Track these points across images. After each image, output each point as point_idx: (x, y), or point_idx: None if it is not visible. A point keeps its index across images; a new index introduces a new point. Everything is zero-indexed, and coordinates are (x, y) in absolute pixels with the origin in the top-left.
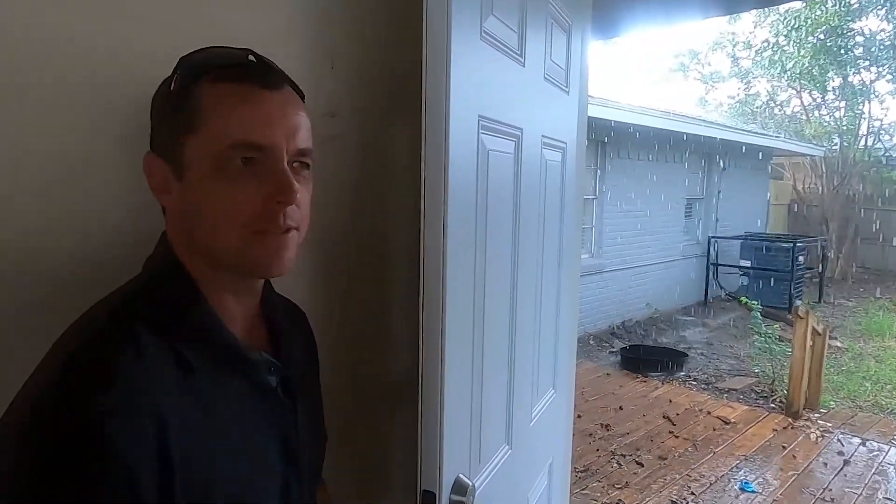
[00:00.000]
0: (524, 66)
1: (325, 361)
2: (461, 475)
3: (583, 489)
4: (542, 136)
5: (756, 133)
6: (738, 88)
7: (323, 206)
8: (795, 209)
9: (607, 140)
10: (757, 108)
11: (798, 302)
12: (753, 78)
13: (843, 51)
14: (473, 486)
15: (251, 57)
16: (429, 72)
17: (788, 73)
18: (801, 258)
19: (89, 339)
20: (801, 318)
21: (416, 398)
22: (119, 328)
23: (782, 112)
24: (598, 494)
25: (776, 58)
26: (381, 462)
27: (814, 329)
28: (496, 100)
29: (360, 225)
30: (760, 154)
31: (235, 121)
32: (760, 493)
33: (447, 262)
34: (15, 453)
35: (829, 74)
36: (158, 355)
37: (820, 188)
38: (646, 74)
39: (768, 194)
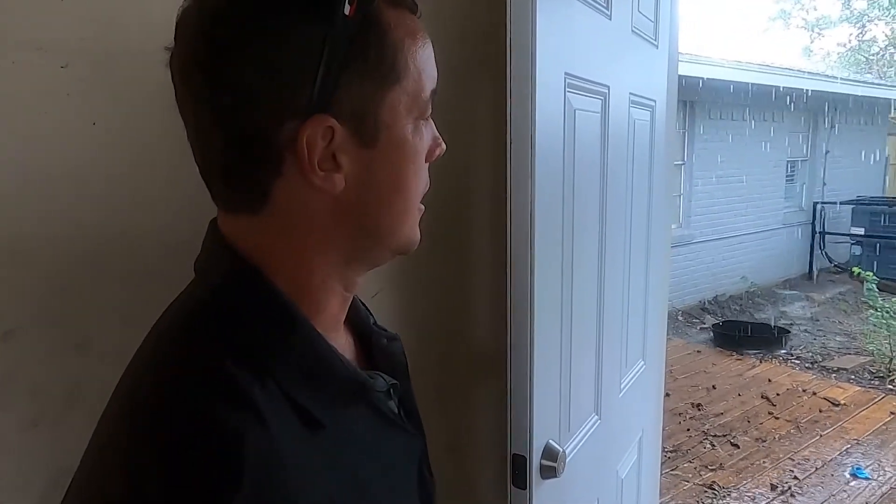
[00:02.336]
0: (611, 18)
1: (414, 333)
2: (551, 440)
3: (672, 469)
4: (630, 93)
5: (871, 84)
6: (850, 34)
7: None
8: None
9: (697, 99)
10: (873, 55)
11: None
12: (869, 21)
13: None
14: (564, 451)
15: None
16: (513, 28)
17: None
18: None
19: (186, 403)
20: None
21: (506, 367)
22: (219, 377)
23: None
24: (690, 475)
25: None
26: (473, 431)
27: None
28: (582, 56)
29: (443, 193)
30: (877, 108)
31: (427, 63)
32: (875, 480)
33: (535, 229)
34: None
35: None
36: (276, 412)
37: None
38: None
39: (887, 153)
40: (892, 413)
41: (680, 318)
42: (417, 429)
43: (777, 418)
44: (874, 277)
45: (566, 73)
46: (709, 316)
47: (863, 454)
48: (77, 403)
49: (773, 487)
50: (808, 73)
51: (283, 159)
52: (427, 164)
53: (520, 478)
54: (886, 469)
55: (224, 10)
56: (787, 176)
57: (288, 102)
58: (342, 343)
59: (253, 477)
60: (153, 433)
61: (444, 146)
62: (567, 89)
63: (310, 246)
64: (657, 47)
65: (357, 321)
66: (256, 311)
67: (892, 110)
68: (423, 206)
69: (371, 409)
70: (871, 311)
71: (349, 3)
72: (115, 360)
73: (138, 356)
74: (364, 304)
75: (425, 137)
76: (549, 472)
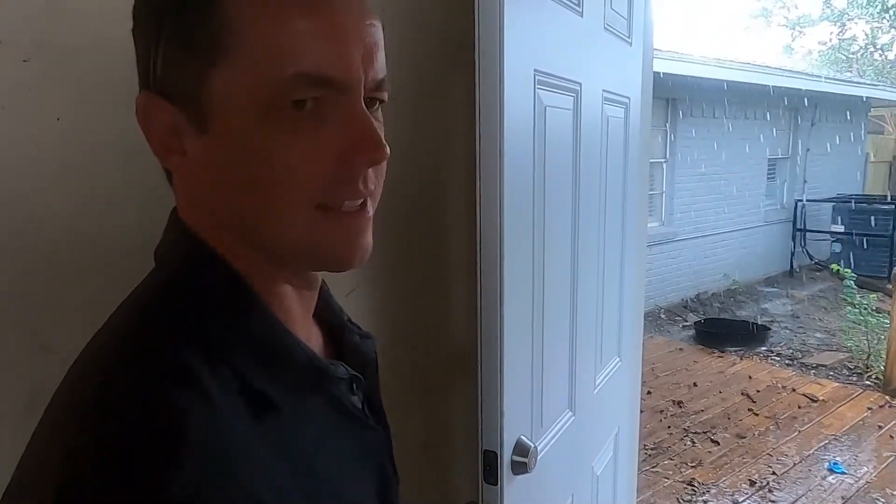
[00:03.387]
0: (582, 15)
1: (388, 332)
2: (522, 436)
3: (653, 467)
4: (603, 90)
5: (851, 82)
6: (831, 33)
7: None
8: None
9: (678, 97)
10: (853, 53)
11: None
12: (849, 20)
13: None
14: (535, 447)
15: None
16: (481, 26)
17: (892, 11)
18: None
19: (130, 386)
20: None
21: (478, 364)
22: (168, 362)
23: (883, 57)
24: (671, 472)
25: None
26: (448, 428)
27: None
28: (552, 53)
29: (412, 192)
30: (856, 106)
31: (292, 39)
32: (851, 475)
33: (504, 227)
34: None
35: None
36: (225, 396)
37: None
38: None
39: (866, 150)
40: (868, 408)
41: (662, 315)
42: (381, 425)
43: (757, 415)
44: (852, 274)
45: (536, 70)
46: (691, 313)
47: (840, 449)
48: (39, 406)
49: (752, 483)
50: (789, 71)
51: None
52: (341, 160)
53: (490, 474)
54: (862, 464)
55: None
56: (768, 173)
57: (142, 80)
58: (307, 335)
59: (195, 457)
60: (94, 411)
61: (375, 149)
62: (537, 86)
63: (206, 236)
64: (631, 44)
65: (329, 317)
66: (212, 293)
67: (872, 108)
68: (353, 209)
69: (330, 400)
70: (850, 307)
71: None
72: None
73: (93, 340)
74: (337, 302)
75: (309, 130)
76: (520, 468)
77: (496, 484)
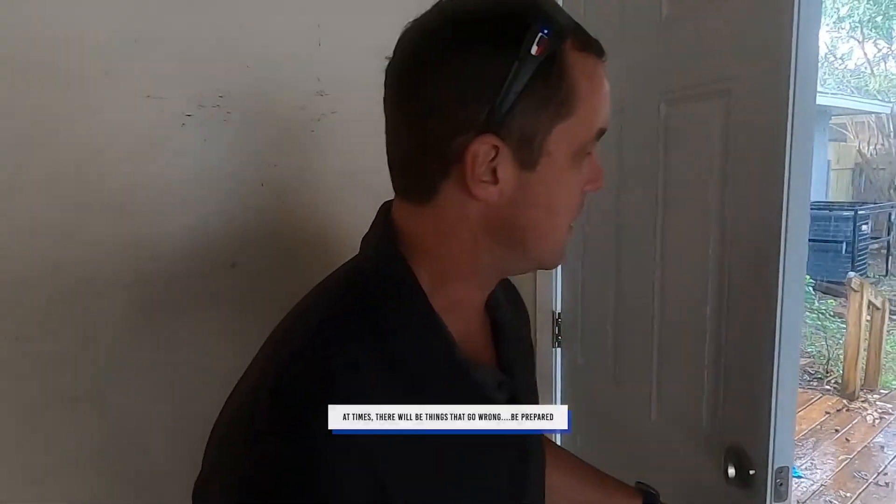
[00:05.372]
0: None
1: None
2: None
3: None
4: None
5: None
6: None
7: (314, 188)
8: (861, 173)
9: None
10: None
11: (851, 274)
12: None
13: None
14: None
15: None
16: None
17: (848, 21)
18: (864, 227)
19: (305, 353)
20: (854, 290)
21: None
22: (338, 341)
23: (843, 66)
24: None
25: (831, 4)
26: None
27: (871, 303)
28: None
29: (352, 207)
30: (818, 114)
31: (602, 103)
32: (808, 479)
33: None
34: (235, 457)
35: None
36: (374, 371)
37: (889, 149)
38: None
39: (828, 158)
40: (826, 413)
41: None
42: None
43: None
44: (811, 280)
45: None
46: None
47: (797, 454)
48: None
49: None
50: None
51: (452, 165)
52: (582, 192)
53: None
54: (818, 468)
55: (433, 34)
56: None
57: (466, 119)
58: (473, 330)
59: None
60: (278, 362)
61: (601, 182)
62: None
63: (457, 241)
64: None
65: (495, 309)
66: (385, 289)
67: (833, 117)
68: (573, 227)
69: (472, 390)
70: (809, 313)
71: (537, 45)
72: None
73: (299, 305)
74: (507, 284)
75: (585, 170)
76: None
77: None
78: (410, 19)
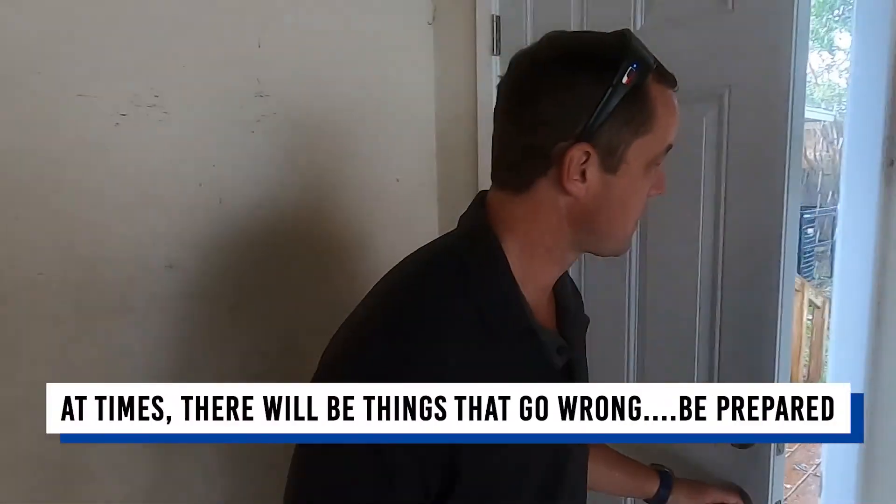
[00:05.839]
0: None
1: None
2: None
3: None
4: None
5: None
6: None
7: (254, 188)
8: (806, 179)
9: None
10: None
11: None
12: None
13: (849, 5)
14: None
15: None
16: None
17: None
18: (810, 230)
19: (415, 293)
20: (796, 290)
21: None
22: (440, 287)
23: (813, 81)
24: None
25: None
26: None
27: (811, 302)
28: None
29: (293, 206)
30: None
31: (671, 125)
32: None
33: None
34: (342, 365)
35: (836, 33)
36: (470, 318)
37: (832, 155)
38: None
39: None
40: None
41: None
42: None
43: None
44: None
45: None
46: None
47: None
48: None
49: None
50: None
51: (550, 166)
52: (646, 197)
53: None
54: None
55: (544, 62)
56: None
57: (566, 130)
58: (542, 303)
59: (423, 343)
60: (384, 307)
61: (664, 189)
62: None
63: (545, 225)
64: None
65: (561, 293)
66: (478, 256)
67: None
68: (637, 223)
69: (538, 349)
70: None
71: (627, 76)
72: None
73: (401, 265)
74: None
75: (652, 177)
76: None
77: None
78: (349, 22)
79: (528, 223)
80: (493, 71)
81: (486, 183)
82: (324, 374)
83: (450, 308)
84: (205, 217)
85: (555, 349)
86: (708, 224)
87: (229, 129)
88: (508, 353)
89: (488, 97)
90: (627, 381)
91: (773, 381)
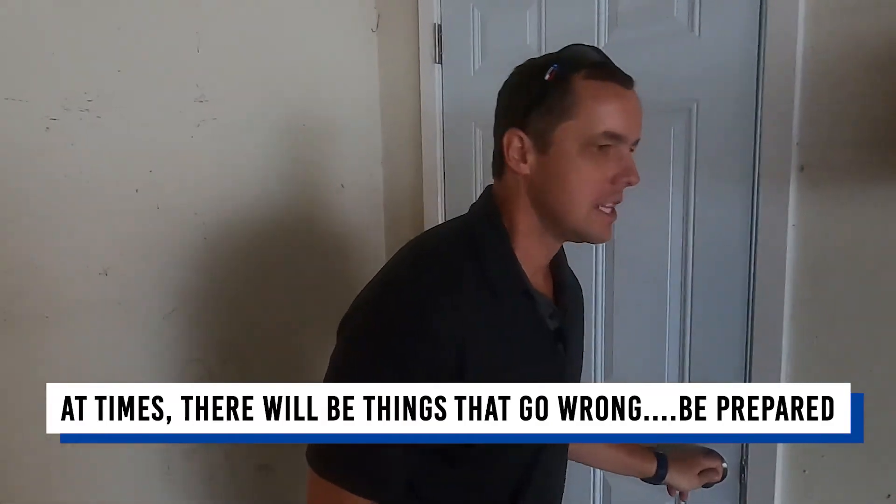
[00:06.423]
0: None
1: None
2: None
3: None
4: None
5: None
6: None
7: (193, 194)
8: None
9: None
10: None
11: None
12: None
13: None
14: None
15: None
16: None
17: None
18: None
19: (433, 253)
20: None
21: None
22: (453, 252)
23: None
24: None
25: None
26: None
27: None
28: None
29: (231, 211)
30: None
31: (606, 113)
32: None
33: None
34: (365, 315)
35: None
36: (477, 278)
37: None
38: None
39: None
40: None
41: None
42: (566, 350)
43: None
44: None
45: None
46: None
47: None
48: None
49: None
50: None
51: (504, 152)
52: (613, 182)
53: None
54: None
55: (512, 81)
56: None
57: (509, 120)
58: (539, 276)
59: (456, 293)
60: (399, 268)
61: (634, 178)
62: None
63: (515, 205)
64: None
65: (558, 273)
66: (485, 230)
67: None
68: (608, 210)
69: (533, 310)
70: None
71: (549, 74)
72: None
73: (416, 239)
74: (572, 273)
75: (601, 162)
76: None
77: None
78: (292, 28)
79: (508, 204)
80: (435, 79)
81: (430, 189)
82: (357, 312)
83: (461, 269)
84: (141, 223)
85: (548, 314)
86: (677, 219)
87: (167, 135)
88: (509, 311)
89: (431, 105)
90: (595, 378)
91: (746, 379)
